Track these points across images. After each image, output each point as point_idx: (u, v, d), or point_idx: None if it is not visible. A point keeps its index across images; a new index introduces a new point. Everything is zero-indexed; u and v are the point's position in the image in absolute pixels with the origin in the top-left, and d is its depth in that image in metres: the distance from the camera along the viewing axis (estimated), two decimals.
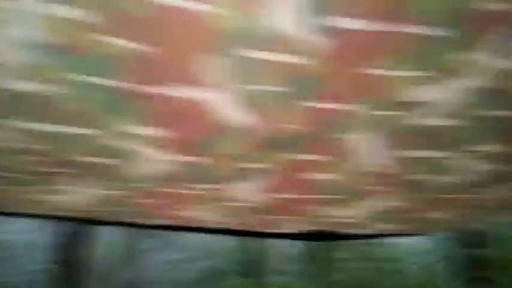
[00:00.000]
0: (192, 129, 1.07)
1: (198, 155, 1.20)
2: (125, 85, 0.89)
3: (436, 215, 1.75)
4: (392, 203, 1.60)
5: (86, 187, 1.40)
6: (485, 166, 1.27)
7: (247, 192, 1.52)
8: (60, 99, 0.91)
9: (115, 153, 1.16)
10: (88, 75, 0.87)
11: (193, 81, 0.88)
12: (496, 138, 1.11)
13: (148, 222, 1.95)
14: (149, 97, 0.94)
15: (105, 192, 1.46)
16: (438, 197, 1.52)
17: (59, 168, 1.25)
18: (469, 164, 1.25)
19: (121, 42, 0.76)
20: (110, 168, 1.25)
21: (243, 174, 1.35)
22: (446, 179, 1.35)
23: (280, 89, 0.92)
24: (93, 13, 0.69)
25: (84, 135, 1.06)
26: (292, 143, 1.14)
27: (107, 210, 1.71)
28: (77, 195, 1.48)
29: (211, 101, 0.94)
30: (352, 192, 1.50)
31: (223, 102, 0.95)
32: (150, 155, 1.17)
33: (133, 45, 0.77)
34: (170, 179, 1.35)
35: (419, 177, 1.36)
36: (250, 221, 1.91)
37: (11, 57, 0.78)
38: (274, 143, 1.14)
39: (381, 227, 1.98)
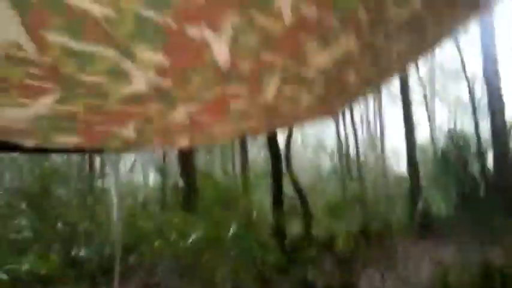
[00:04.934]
0: (188, 61, 1.33)
1: (173, 81, 1.40)
2: (162, 19, 1.08)
3: None
4: None
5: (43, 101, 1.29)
6: None
7: (181, 114, 1.71)
8: (105, 19, 1.01)
9: (114, 73, 1.25)
10: (144, 7, 1.03)
11: (210, 28, 1.18)
12: None
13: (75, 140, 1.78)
14: (174, 31, 1.14)
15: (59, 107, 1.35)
16: None
17: (41, 83, 1.18)
18: None
19: None
20: (97, 86, 1.28)
21: (191, 99, 1.59)
22: None
23: (254, 42, 1.31)
24: None
25: (99, 54, 1.12)
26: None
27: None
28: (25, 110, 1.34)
29: (212, 44, 1.25)
30: None
31: (220, 45, 1.26)
32: (141, 77, 1.30)
33: None
34: (135, 98, 1.44)
35: None
36: (156, 138, 2.06)
37: None
38: (227, 78, 1.47)
39: None
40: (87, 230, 7.43)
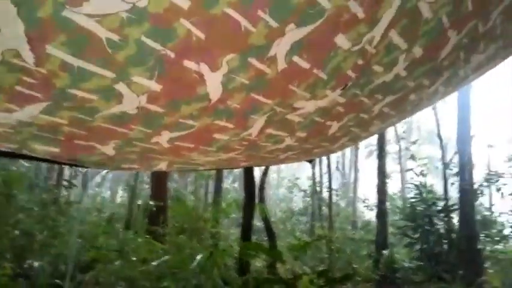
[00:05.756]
0: (181, 91, 1.39)
1: (163, 107, 1.45)
2: (162, 49, 1.13)
3: None
4: None
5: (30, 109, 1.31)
6: None
7: (164, 139, 1.78)
8: (108, 41, 1.05)
9: (107, 92, 1.29)
10: (147, 36, 1.08)
11: (207, 63, 1.24)
12: None
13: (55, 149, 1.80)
14: (172, 61, 1.19)
15: (44, 116, 1.37)
16: None
17: (32, 92, 1.19)
18: None
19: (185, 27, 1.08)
20: (86, 102, 1.31)
21: (177, 126, 1.65)
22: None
23: (247, 82, 1.41)
24: None
25: (96, 73, 1.16)
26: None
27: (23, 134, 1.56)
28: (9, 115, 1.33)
29: (207, 78, 1.30)
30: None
31: (214, 81, 1.33)
32: (133, 99, 1.34)
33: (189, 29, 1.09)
34: (122, 118, 1.47)
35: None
36: (135, 159, 2.16)
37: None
38: (215, 111, 1.57)
39: None
40: (45, 241, 7.11)
